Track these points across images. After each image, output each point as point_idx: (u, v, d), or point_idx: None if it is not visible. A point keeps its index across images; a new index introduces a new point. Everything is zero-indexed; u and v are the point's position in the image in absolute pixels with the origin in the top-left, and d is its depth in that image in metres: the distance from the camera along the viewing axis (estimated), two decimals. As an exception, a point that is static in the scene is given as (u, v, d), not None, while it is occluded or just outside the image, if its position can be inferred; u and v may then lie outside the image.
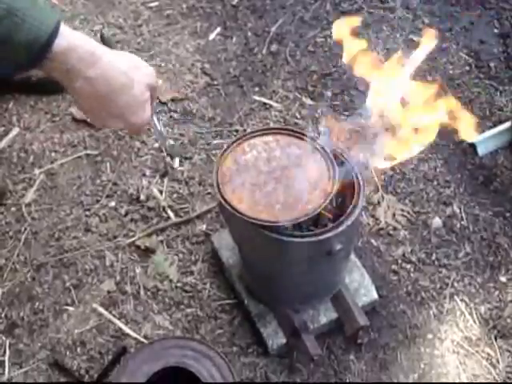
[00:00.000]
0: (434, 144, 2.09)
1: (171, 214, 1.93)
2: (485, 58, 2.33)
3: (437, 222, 1.92)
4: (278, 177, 1.40)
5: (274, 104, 2.20)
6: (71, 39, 1.04)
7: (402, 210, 1.94)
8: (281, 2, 2.52)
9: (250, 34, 2.42)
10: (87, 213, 1.95)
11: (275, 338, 1.65)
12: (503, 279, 1.83)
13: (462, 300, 1.79)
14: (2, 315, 1.77)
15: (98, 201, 1.97)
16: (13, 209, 1.97)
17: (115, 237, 1.90)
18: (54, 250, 1.88)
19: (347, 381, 1.66)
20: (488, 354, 1.70)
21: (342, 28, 1.51)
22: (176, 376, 1.42)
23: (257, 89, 2.26)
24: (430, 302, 1.79)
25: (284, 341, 1.65)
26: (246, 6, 2.51)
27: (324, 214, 1.46)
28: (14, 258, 1.87)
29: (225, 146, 1.45)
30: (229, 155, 1.44)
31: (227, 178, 1.40)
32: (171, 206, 1.95)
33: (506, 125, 2.06)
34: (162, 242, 1.88)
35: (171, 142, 1.30)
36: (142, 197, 1.96)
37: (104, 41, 1.29)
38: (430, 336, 1.73)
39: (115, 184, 2.01)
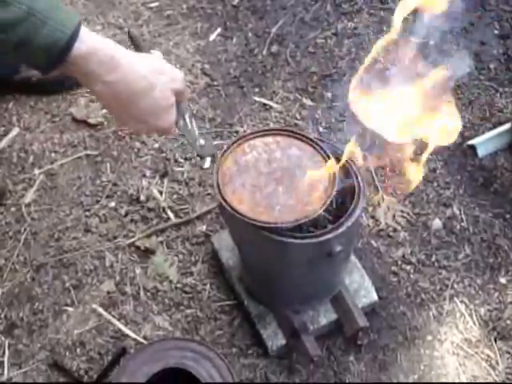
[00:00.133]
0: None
1: (171, 215, 1.93)
2: (485, 59, 2.33)
3: (437, 223, 1.92)
4: (278, 178, 1.40)
5: (274, 105, 2.20)
6: (91, 42, 1.03)
7: (402, 212, 1.94)
8: (281, 3, 2.52)
9: (250, 34, 2.42)
10: (87, 213, 1.95)
11: (275, 339, 1.65)
12: (503, 281, 1.83)
13: (461, 301, 1.79)
14: (2, 315, 1.77)
15: (97, 201, 1.97)
16: (12, 209, 1.97)
17: (115, 237, 1.90)
18: (54, 251, 1.88)
19: (347, 381, 1.66)
20: (488, 356, 1.70)
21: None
22: (176, 377, 1.42)
23: (257, 90, 2.26)
24: (430, 304, 1.79)
25: (284, 342, 1.65)
26: (246, 6, 2.51)
27: (324, 216, 1.46)
28: (14, 258, 1.87)
29: (225, 147, 1.45)
30: (229, 156, 1.44)
31: (228, 178, 1.40)
32: (171, 206, 1.95)
33: (506, 126, 2.06)
34: (161, 242, 1.88)
35: (202, 142, 1.30)
36: (142, 197, 1.96)
37: (132, 40, 1.28)
38: (429, 337, 1.73)
39: (115, 184, 2.01)
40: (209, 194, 1.98)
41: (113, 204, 1.96)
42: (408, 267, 1.84)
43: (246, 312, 1.71)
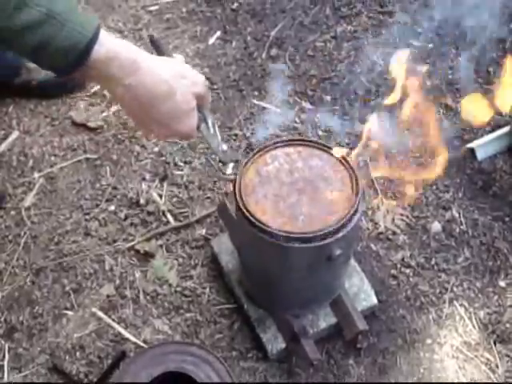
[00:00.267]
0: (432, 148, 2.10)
1: (171, 219, 1.94)
2: (484, 62, 2.34)
3: (436, 226, 1.93)
4: (300, 188, 1.42)
5: (274, 108, 2.21)
6: (111, 45, 1.02)
7: (402, 215, 1.94)
8: (280, 7, 2.53)
9: (249, 38, 2.42)
10: (87, 217, 1.95)
11: (275, 342, 1.65)
12: (502, 284, 1.83)
13: (461, 305, 1.79)
14: (2, 319, 1.77)
15: (97, 205, 1.97)
16: (12, 212, 1.97)
17: (115, 241, 1.90)
18: (54, 254, 1.88)
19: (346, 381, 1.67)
20: (487, 359, 1.70)
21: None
22: (176, 381, 1.42)
23: (256, 93, 2.26)
24: (430, 307, 1.79)
25: (283, 345, 1.65)
26: (245, 10, 2.52)
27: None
28: (14, 261, 1.87)
29: (245, 159, 1.46)
30: (251, 167, 1.44)
31: (250, 189, 1.41)
32: (171, 210, 1.95)
33: (505, 129, 2.06)
34: (161, 246, 1.88)
35: (224, 148, 1.29)
36: (142, 201, 1.96)
37: (154, 44, 1.28)
38: (429, 341, 1.73)
39: (115, 188, 2.01)
40: (208, 198, 1.98)
41: (112, 207, 1.97)
42: (407, 270, 1.85)
43: (246, 316, 1.71)
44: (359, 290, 1.73)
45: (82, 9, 2.52)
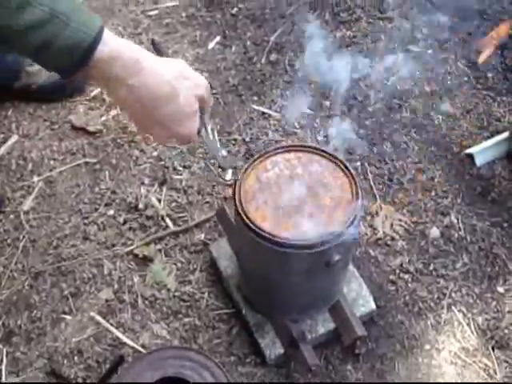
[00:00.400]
0: (431, 154, 2.11)
1: (169, 223, 1.94)
2: (483, 68, 2.34)
3: (434, 232, 1.93)
4: (300, 194, 1.41)
5: (273, 113, 2.21)
6: (114, 45, 1.01)
7: (400, 220, 1.95)
8: (280, 12, 2.53)
9: (249, 43, 2.43)
10: (85, 221, 1.95)
11: (273, 348, 1.65)
12: (501, 290, 1.83)
13: (459, 310, 1.79)
14: (0, 323, 1.77)
15: (96, 209, 1.97)
16: (11, 216, 1.97)
17: (113, 245, 1.90)
18: (52, 258, 1.88)
19: (348, 376, 1.67)
20: (485, 365, 1.70)
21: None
22: (174, 386, 1.42)
23: (255, 98, 2.26)
24: (428, 313, 1.79)
25: (282, 351, 1.65)
26: (245, 15, 2.52)
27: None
28: (12, 265, 1.87)
29: (245, 165, 1.46)
30: (251, 173, 1.45)
31: (250, 195, 1.41)
32: (170, 214, 1.95)
33: (504, 135, 2.07)
34: (160, 250, 1.88)
35: (224, 153, 1.29)
36: (141, 205, 1.96)
37: (155, 47, 1.27)
38: (427, 346, 1.73)
39: (114, 192, 2.01)
40: (207, 203, 1.98)
41: (111, 212, 1.97)
42: (406, 276, 1.85)
43: (244, 321, 1.71)
44: (358, 296, 1.73)
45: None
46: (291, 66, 2.35)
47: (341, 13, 2.52)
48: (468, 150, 2.07)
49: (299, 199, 1.41)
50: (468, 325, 1.76)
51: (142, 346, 1.71)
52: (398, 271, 1.85)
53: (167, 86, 1.07)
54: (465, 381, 1.67)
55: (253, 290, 1.70)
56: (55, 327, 1.76)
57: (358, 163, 2.07)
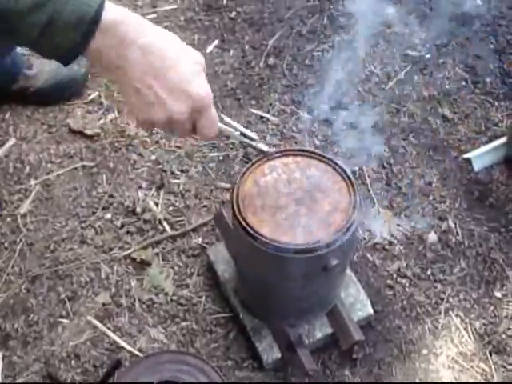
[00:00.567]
0: (429, 159, 2.11)
1: (167, 227, 1.93)
2: (481, 73, 2.35)
3: (432, 237, 1.93)
4: (298, 198, 1.42)
5: (271, 117, 2.21)
6: (118, 11, 1.01)
7: (398, 225, 1.95)
8: (278, 16, 2.53)
9: (247, 47, 2.43)
10: (83, 225, 1.95)
11: (270, 352, 1.65)
12: (498, 295, 1.83)
13: (457, 315, 1.79)
14: (-4, 327, 1.77)
15: (93, 213, 1.97)
16: (8, 219, 1.96)
17: (111, 249, 1.90)
18: (49, 262, 1.87)
19: (346, 381, 1.67)
20: (483, 370, 1.70)
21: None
22: (171, 391, 1.42)
23: (253, 102, 2.26)
24: (425, 317, 1.79)
25: (279, 355, 1.65)
26: (243, 19, 2.52)
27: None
28: (9, 269, 1.86)
29: (243, 169, 1.46)
30: (249, 177, 1.44)
31: (247, 199, 1.41)
32: (167, 218, 1.95)
33: (502, 140, 2.06)
34: (157, 254, 1.88)
35: (251, 134, 1.32)
36: (138, 209, 1.96)
37: None
38: (425, 351, 1.73)
39: (111, 196, 2.01)
40: (205, 207, 1.98)
41: (109, 216, 1.96)
42: (403, 281, 1.85)
43: (242, 325, 1.71)
44: (355, 300, 1.73)
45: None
46: (289, 70, 2.35)
47: (339, 17, 2.52)
48: (466, 155, 2.07)
49: (297, 203, 1.41)
50: (465, 330, 1.76)
51: (139, 350, 1.71)
52: (395, 276, 1.85)
53: (175, 45, 1.08)
54: (462, 386, 1.68)
55: (250, 295, 1.70)
56: (52, 331, 1.75)
57: (356, 168, 2.07)
